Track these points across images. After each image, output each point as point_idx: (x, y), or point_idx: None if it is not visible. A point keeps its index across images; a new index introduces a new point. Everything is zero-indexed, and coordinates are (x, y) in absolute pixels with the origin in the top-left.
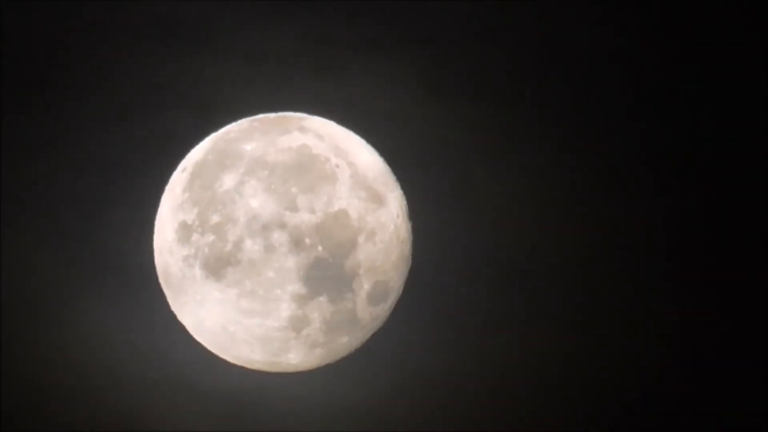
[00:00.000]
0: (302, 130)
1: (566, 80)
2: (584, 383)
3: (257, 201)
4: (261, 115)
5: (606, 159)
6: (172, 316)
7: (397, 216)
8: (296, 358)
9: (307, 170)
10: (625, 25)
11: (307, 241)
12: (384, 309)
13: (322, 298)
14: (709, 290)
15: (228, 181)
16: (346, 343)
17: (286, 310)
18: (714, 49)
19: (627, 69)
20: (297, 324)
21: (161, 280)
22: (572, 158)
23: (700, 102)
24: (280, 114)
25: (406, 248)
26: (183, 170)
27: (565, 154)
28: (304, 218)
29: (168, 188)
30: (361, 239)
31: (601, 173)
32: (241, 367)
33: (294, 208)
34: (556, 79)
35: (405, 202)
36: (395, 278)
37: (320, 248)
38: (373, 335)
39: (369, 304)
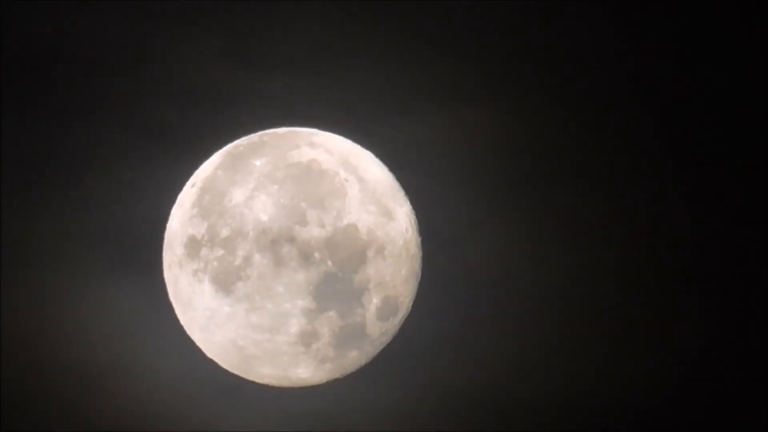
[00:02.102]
0: (312, 145)
1: (575, 91)
2: (602, 401)
3: (267, 215)
4: (270, 130)
5: (628, 176)
6: (182, 331)
7: (407, 230)
8: (306, 372)
9: (316, 185)
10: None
11: (317, 255)
12: (393, 324)
13: (332, 313)
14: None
15: (237, 195)
16: (355, 357)
17: (295, 324)
18: (714, 49)
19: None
20: (306, 339)
21: (170, 295)
22: (583, 173)
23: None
24: (290, 129)
25: (416, 263)
26: (192, 185)
27: (574, 171)
28: (313, 233)
29: (177, 203)
30: (370, 254)
31: (622, 190)
32: (251, 382)
33: (303, 223)
34: (565, 89)
35: (414, 217)
36: (405, 293)
37: (330, 263)
38: (383, 350)
39: (378, 319)
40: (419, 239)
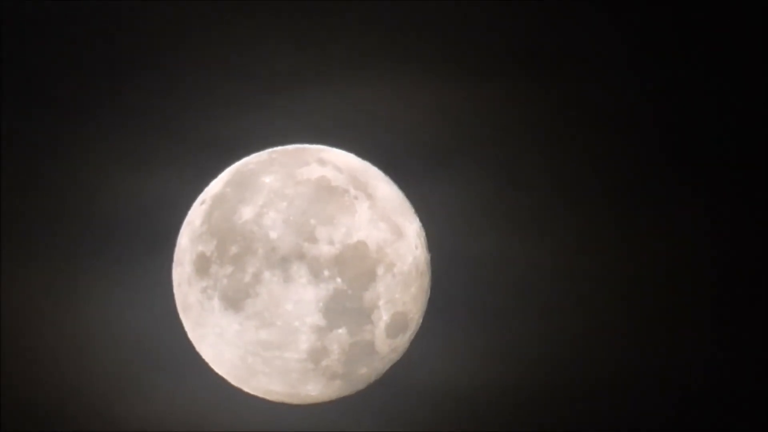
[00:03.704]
0: (321, 162)
1: (581, 102)
2: (615, 417)
3: (276, 233)
4: (280, 147)
5: (636, 189)
6: (191, 348)
7: (416, 247)
8: (315, 389)
9: (325, 202)
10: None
11: (326, 272)
12: (403, 341)
13: (341, 330)
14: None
15: (247, 212)
16: (364, 374)
17: (305, 341)
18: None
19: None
20: (316, 355)
21: (180, 312)
22: (587, 190)
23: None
24: (299, 146)
25: (425, 280)
26: (202, 202)
27: (579, 187)
28: (323, 250)
29: (187, 220)
30: (380, 271)
31: (626, 204)
32: (260, 399)
33: (313, 240)
34: (572, 102)
35: (424, 234)
36: (414, 310)
37: (339, 280)
38: (392, 367)
39: (388, 336)
40: (429, 256)
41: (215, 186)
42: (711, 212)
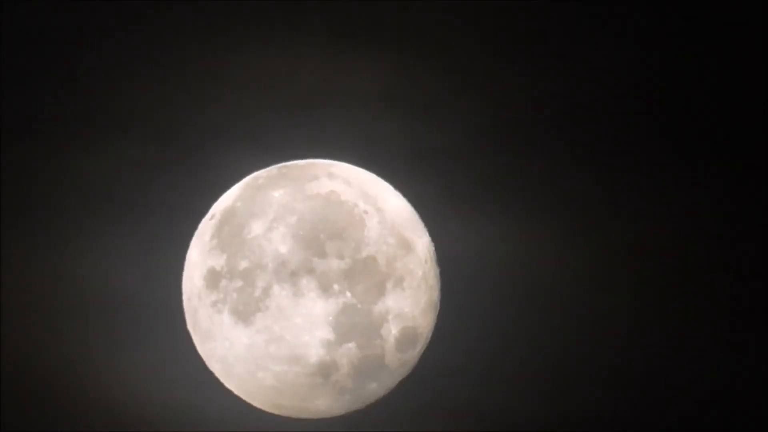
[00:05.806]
0: (330, 176)
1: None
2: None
3: (285, 247)
4: (289, 162)
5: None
6: (201, 362)
7: (426, 262)
8: (324, 404)
9: (335, 216)
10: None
11: (336, 287)
12: (412, 355)
13: (351, 344)
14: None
15: (256, 227)
16: (374, 389)
17: (314, 356)
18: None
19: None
20: (325, 370)
21: (189, 326)
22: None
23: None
24: (309, 160)
25: (435, 294)
26: (212, 217)
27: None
28: (332, 264)
29: (197, 235)
30: (389, 285)
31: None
32: (269, 413)
33: (322, 254)
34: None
35: (433, 248)
36: (424, 324)
37: (349, 294)
38: (402, 381)
39: (397, 351)
40: (438, 270)
41: (225, 200)
42: (714, 211)
